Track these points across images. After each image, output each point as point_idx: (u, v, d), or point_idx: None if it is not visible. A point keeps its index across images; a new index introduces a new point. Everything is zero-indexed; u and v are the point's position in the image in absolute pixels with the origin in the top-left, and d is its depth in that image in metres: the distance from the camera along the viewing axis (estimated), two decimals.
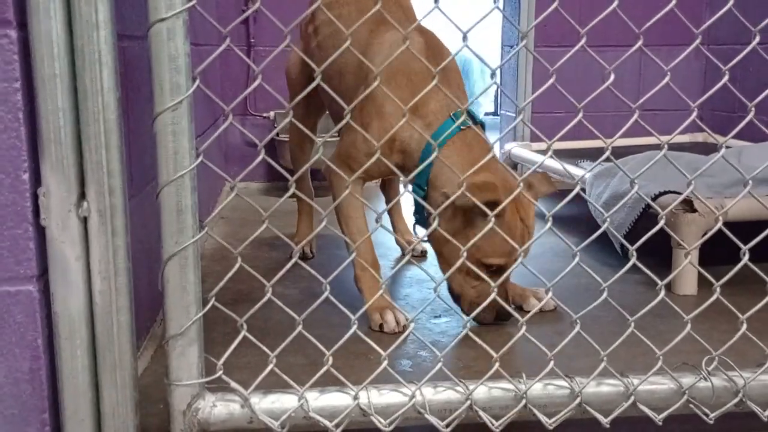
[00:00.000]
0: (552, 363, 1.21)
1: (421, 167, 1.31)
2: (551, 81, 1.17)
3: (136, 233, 1.45)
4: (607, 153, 1.17)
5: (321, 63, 1.17)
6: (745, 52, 1.25)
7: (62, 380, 1.10)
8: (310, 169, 2.83)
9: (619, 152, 1.84)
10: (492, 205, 1.39)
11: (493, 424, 1.18)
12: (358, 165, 1.82)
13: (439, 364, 1.19)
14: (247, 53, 3.61)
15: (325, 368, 1.15)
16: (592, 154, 3.06)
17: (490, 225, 1.19)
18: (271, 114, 3.70)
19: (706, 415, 1.24)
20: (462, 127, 1.77)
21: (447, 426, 1.18)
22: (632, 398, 1.22)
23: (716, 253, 1.81)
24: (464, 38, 1.15)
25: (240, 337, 1.13)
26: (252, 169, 3.63)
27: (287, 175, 1.13)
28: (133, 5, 1.56)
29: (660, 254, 2.01)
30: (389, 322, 1.79)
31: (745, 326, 1.29)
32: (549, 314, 1.93)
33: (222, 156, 3.60)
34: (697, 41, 1.21)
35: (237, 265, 1.10)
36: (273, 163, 1.11)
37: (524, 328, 1.21)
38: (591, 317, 1.23)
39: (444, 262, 1.81)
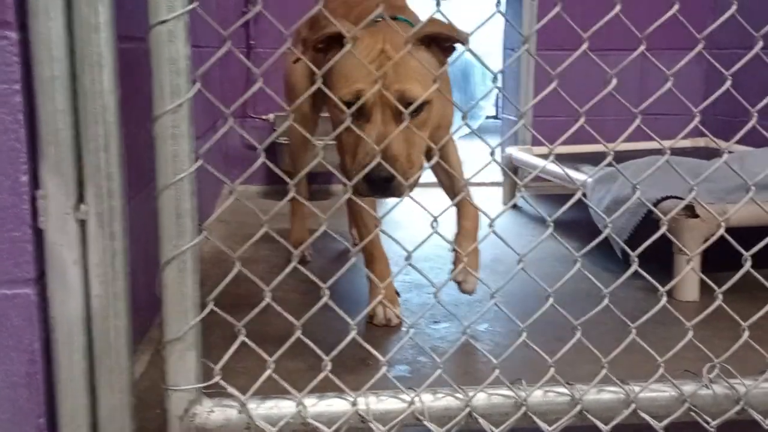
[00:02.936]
0: (552, 370, 1.21)
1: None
2: (553, 85, 1.17)
3: (134, 236, 1.44)
4: (609, 158, 1.17)
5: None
6: (747, 57, 1.24)
7: (59, 385, 1.09)
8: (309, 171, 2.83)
9: (621, 157, 1.84)
10: (336, 39, 1.56)
11: None
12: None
13: (439, 371, 1.18)
14: (247, 55, 3.61)
15: (323, 374, 1.15)
16: (594, 159, 3.05)
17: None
18: (271, 116, 3.69)
19: (707, 422, 1.24)
20: (377, 21, 1.63)
21: None
22: (633, 406, 1.22)
23: (718, 259, 1.81)
24: (466, 42, 1.15)
25: (238, 341, 1.12)
26: (251, 172, 3.60)
27: (287, 179, 1.12)
28: (133, 7, 1.55)
29: (661, 260, 2.00)
30: (377, 314, 1.90)
31: (747, 333, 1.29)
32: (550, 319, 1.92)
33: (221, 159, 3.59)
34: (700, 46, 1.21)
35: (236, 269, 1.09)
36: (273, 166, 1.10)
37: (525, 334, 1.21)
38: (592, 323, 1.22)
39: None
